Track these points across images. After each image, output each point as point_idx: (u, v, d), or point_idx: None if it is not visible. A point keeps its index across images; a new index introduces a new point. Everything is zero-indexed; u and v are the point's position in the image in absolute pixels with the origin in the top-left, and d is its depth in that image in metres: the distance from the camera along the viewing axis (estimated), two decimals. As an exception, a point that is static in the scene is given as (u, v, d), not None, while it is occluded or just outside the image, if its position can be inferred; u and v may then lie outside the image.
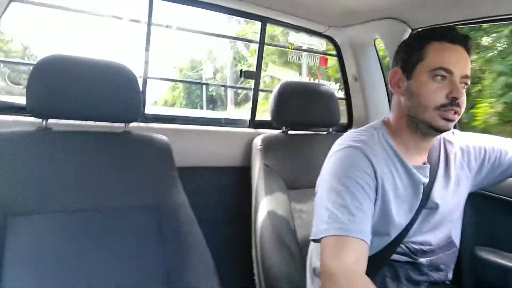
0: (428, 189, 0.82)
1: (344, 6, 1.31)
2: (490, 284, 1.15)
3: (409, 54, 0.80)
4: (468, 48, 0.77)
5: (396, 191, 0.79)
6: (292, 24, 1.56)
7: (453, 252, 0.88)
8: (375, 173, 0.76)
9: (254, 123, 1.56)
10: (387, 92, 1.61)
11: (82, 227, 0.88)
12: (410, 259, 0.82)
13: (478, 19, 1.14)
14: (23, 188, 0.85)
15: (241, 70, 1.55)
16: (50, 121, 0.97)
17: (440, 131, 0.76)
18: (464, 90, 0.76)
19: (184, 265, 0.90)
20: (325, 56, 1.81)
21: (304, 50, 1.80)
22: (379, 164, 0.77)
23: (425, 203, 0.81)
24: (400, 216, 0.79)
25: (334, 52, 1.73)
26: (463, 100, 0.75)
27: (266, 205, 1.14)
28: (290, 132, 1.40)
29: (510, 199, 1.12)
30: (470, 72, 0.76)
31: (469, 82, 0.76)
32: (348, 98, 1.75)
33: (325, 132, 1.46)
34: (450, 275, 0.88)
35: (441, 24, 1.23)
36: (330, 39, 1.67)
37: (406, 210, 0.80)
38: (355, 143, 0.79)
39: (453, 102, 0.73)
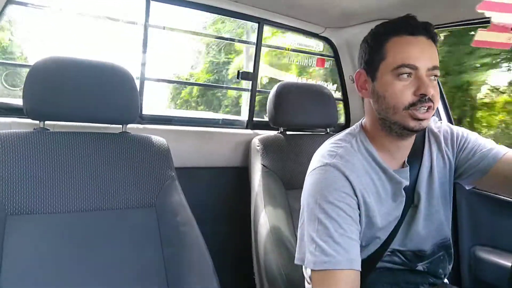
0: (412, 186, 0.80)
1: (341, 7, 1.32)
2: (489, 284, 1.15)
3: (371, 54, 0.75)
4: (432, 36, 0.72)
5: (379, 199, 0.77)
6: (289, 26, 1.56)
7: (450, 254, 0.86)
8: (354, 190, 0.72)
9: (252, 124, 1.56)
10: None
11: (81, 227, 0.88)
12: (407, 267, 0.81)
13: (475, 20, 1.14)
14: (22, 189, 0.84)
15: (238, 71, 1.55)
16: (48, 122, 0.96)
17: (414, 131, 0.72)
18: (435, 82, 0.71)
19: (183, 266, 0.89)
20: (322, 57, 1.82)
21: (301, 52, 1.81)
22: (358, 177, 0.74)
23: (411, 200, 0.80)
24: (385, 222, 0.77)
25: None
26: (435, 94, 0.70)
27: (265, 205, 1.14)
28: (287, 132, 1.40)
29: (510, 199, 1.13)
30: (437, 62, 0.71)
31: (438, 73, 0.71)
32: (345, 98, 1.76)
33: (323, 133, 1.46)
34: (449, 271, 0.87)
35: (439, 25, 1.24)
36: (327, 40, 1.68)
37: (392, 211, 0.78)
38: (331, 159, 0.75)
39: (422, 99, 0.68)
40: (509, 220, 1.15)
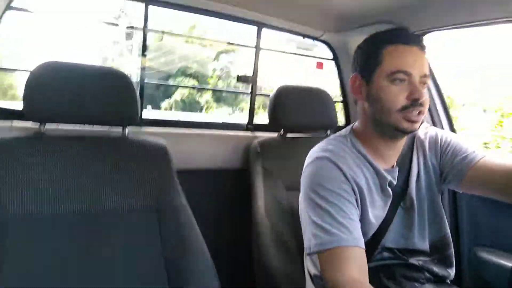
0: (403, 188, 0.83)
1: (340, 11, 1.33)
2: (490, 284, 1.15)
3: (366, 60, 0.80)
4: (423, 47, 0.77)
5: (369, 191, 0.80)
6: (288, 29, 1.57)
7: (449, 255, 0.87)
8: (346, 177, 0.77)
9: (252, 126, 1.57)
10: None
11: (82, 230, 0.88)
12: (401, 261, 0.83)
13: (475, 22, 1.15)
14: (22, 192, 0.85)
15: (237, 75, 1.56)
16: (48, 126, 0.97)
17: (406, 132, 0.77)
18: (425, 89, 0.77)
19: (184, 267, 0.89)
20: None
21: (300, 55, 1.82)
22: (349, 168, 0.78)
23: (401, 202, 0.83)
24: (375, 216, 0.80)
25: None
26: (425, 99, 0.75)
27: (265, 207, 1.14)
28: (287, 135, 1.40)
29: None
30: (428, 71, 0.77)
31: (428, 81, 0.77)
32: (345, 101, 1.76)
33: (323, 135, 1.47)
34: (451, 273, 0.88)
35: (438, 28, 1.25)
36: (326, 43, 1.69)
37: (380, 207, 0.81)
38: (322, 154, 0.80)
39: (414, 103, 0.73)
40: (509, 220, 1.15)
